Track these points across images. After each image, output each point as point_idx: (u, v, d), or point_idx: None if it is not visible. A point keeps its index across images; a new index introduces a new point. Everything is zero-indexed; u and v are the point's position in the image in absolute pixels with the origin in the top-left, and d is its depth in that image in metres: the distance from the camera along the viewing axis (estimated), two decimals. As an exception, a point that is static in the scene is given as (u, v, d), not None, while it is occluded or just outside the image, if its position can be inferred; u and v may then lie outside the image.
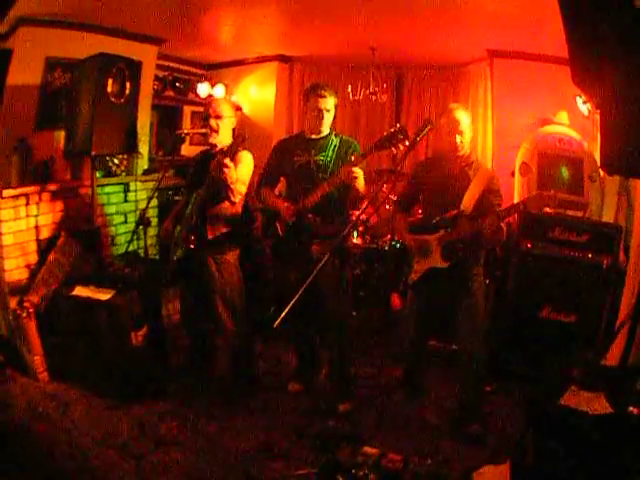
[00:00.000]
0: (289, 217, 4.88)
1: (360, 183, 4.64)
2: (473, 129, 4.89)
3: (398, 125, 4.27)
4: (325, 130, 4.98)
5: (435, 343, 5.95)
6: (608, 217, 6.26)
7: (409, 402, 5.23)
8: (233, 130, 5.21)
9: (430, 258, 4.79)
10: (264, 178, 5.20)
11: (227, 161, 4.59)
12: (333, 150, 4.91)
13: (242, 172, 4.88)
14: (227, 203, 4.90)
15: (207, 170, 4.87)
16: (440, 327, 5.39)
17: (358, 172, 4.54)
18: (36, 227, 5.96)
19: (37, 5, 5.44)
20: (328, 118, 4.93)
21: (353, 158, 4.64)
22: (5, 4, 4.64)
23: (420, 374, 5.39)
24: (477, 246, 4.71)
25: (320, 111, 4.87)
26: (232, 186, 4.73)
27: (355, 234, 7.36)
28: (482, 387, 4.95)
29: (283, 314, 3.47)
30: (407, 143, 4.24)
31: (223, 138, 5.04)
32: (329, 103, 4.89)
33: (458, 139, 4.70)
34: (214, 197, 4.89)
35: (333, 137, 4.99)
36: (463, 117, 4.70)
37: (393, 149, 4.41)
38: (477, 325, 4.72)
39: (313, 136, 5.00)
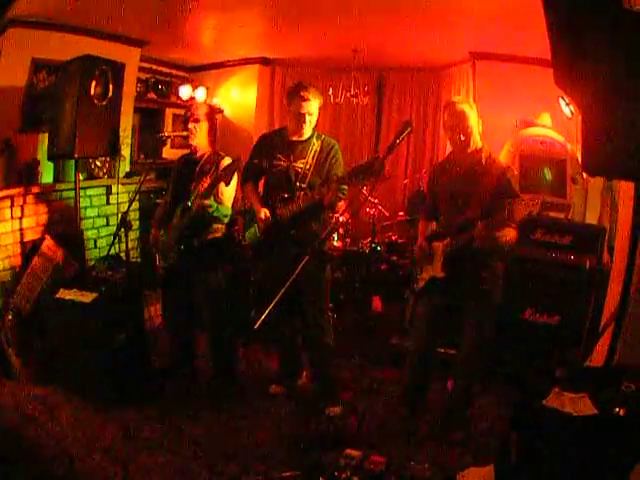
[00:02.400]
0: (263, 228, 4.93)
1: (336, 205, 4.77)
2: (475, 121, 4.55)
3: (377, 155, 4.15)
4: (307, 133, 4.96)
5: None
6: (592, 218, 6.29)
7: (392, 404, 5.21)
8: (214, 132, 5.24)
9: (433, 267, 4.62)
10: (247, 173, 5.16)
11: (207, 202, 4.72)
12: (313, 157, 4.89)
13: (226, 196, 4.99)
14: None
15: (191, 177, 4.94)
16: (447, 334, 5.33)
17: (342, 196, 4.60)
18: (20, 229, 5.95)
19: (25, 6, 5.42)
20: (310, 122, 4.89)
21: (335, 178, 4.64)
22: (3, 5, 4.64)
23: (424, 390, 4.98)
24: (481, 254, 4.41)
25: (302, 115, 4.82)
26: (217, 216, 4.82)
27: (335, 237, 7.34)
28: (471, 396, 4.84)
29: (263, 316, 3.47)
30: (385, 175, 4.11)
31: (200, 141, 5.10)
32: (312, 106, 4.84)
33: (463, 137, 4.47)
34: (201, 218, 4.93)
35: (314, 140, 4.95)
36: (468, 112, 4.45)
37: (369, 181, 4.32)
38: (481, 341, 4.52)
39: (294, 138, 4.97)
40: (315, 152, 4.90)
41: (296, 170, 4.88)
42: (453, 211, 4.58)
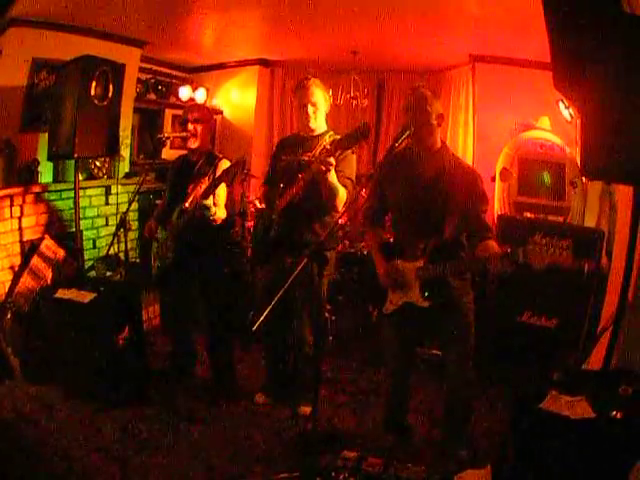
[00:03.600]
0: (262, 222, 4.95)
1: (332, 176, 4.37)
2: (442, 124, 4.11)
3: (362, 122, 4.03)
4: (319, 127, 4.88)
5: (419, 349, 5.87)
6: (590, 222, 6.28)
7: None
8: (211, 134, 5.24)
9: (408, 291, 4.02)
10: (265, 178, 5.17)
11: (206, 203, 4.65)
12: (321, 151, 4.69)
13: (222, 198, 4.97)
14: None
15: (188, 179, 4.93)
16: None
17: (331, 161, 4.19)
18: (20, 229, 5.98)
19: (25, 6, 5.43)
20: (315, 112, 4.79)
21: (328, 146, 4.43)
22: (4, 4, 4.65)
23: (405, 413, 4.69)
24: (465, 276, 4.09)
25: (305, 105, 4.75)
26: (213, 220, 4.78)
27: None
28: (471, 413, 4.48)
29: (262, 318, 3.46)
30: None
31: (199, 142, 5.07)
32: (315, 96, 4.74)
33: (424, 129, 3.94)
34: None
35: (327, 137, 4.84)
36: (431, 98, 3.99)
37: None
38: (466, 352, 4.16)
39: (305, 133, 4.91)
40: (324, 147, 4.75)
41: (300, 163, 4.72)
42: (413, 223, 4.11)
